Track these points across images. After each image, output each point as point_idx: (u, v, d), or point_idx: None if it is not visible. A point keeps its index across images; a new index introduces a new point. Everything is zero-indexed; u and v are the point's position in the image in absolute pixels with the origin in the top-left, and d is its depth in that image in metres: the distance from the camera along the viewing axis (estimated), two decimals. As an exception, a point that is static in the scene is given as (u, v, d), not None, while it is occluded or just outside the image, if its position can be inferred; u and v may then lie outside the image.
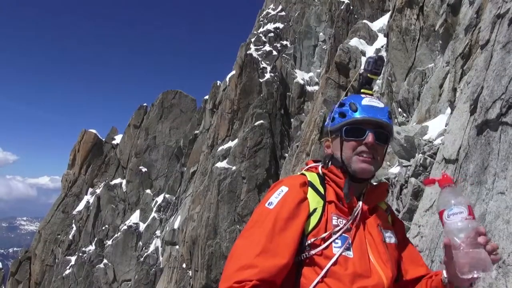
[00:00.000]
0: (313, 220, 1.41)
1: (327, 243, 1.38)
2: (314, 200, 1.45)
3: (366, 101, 1.53)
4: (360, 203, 1.49)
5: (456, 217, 1.25)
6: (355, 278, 1.36)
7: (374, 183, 1.65)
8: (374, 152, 1.49)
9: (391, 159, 9.71)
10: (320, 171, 1.56)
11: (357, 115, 1.49)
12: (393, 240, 1.54)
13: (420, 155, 6.67)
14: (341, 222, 1.43)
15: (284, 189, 1.45)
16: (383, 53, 18.58)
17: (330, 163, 1.57)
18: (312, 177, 1.53)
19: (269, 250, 1.32)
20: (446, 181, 1.32)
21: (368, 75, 1.62)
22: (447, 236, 1.28)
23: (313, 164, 1.63)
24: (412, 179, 6.50)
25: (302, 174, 1.58)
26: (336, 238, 1.40)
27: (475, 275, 1.21)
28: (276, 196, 1.43)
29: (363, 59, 21.44)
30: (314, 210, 1.43)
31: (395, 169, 8.00)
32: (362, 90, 1.62)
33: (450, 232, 1.26)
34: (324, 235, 1.39)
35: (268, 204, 1.42)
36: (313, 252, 1.37)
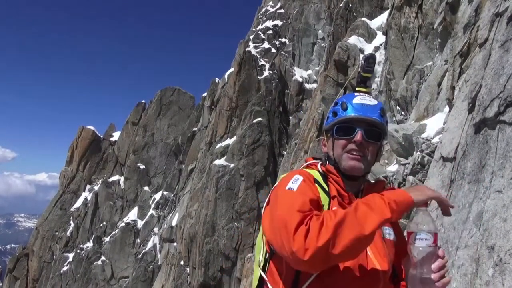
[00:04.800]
0: None
1: None
2: (322, 197, 1.48)
3: (358, 99, 1.56)
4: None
5: (421, 242, 1.36)
6: (352, 271, 1.38)
7: (372, 181, 1.66)
8: (364, 150, 1.51)
9: (389, 157, 9.71)
10: (320, 169, 1.58)
11: (347, 114, 1.53)
12: (392, 236, 1.57)
13: (418, 153, 6.67)
14: None
15: (299, 177, 1.47)
16: (382, 51, 18.58)
17: (327, 162, 1.61)
18: (316, 175, 1.56)
19: (304, 203, 1.36)
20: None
21: (362, 73, 1.68)
22: (410, 255, 1.39)
23: (312, 161, 1.66)
24: (410, 177, 6.51)
25: (305, 171, 1.59)
26: None
27: None
28: (293, 182, 1.44)
29: (362, 57, 21.37)
30: (322, 207, 1.46)
31: (393, 167, 8.01)
32: (357, 88, 1.67)
33: (412, 253, 1.38)
34: None
35: (288, 188, 1.43)
36: None
